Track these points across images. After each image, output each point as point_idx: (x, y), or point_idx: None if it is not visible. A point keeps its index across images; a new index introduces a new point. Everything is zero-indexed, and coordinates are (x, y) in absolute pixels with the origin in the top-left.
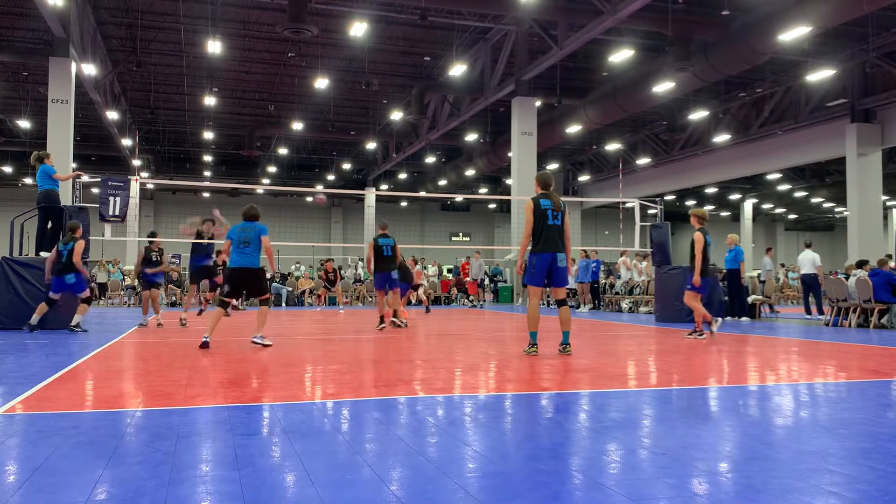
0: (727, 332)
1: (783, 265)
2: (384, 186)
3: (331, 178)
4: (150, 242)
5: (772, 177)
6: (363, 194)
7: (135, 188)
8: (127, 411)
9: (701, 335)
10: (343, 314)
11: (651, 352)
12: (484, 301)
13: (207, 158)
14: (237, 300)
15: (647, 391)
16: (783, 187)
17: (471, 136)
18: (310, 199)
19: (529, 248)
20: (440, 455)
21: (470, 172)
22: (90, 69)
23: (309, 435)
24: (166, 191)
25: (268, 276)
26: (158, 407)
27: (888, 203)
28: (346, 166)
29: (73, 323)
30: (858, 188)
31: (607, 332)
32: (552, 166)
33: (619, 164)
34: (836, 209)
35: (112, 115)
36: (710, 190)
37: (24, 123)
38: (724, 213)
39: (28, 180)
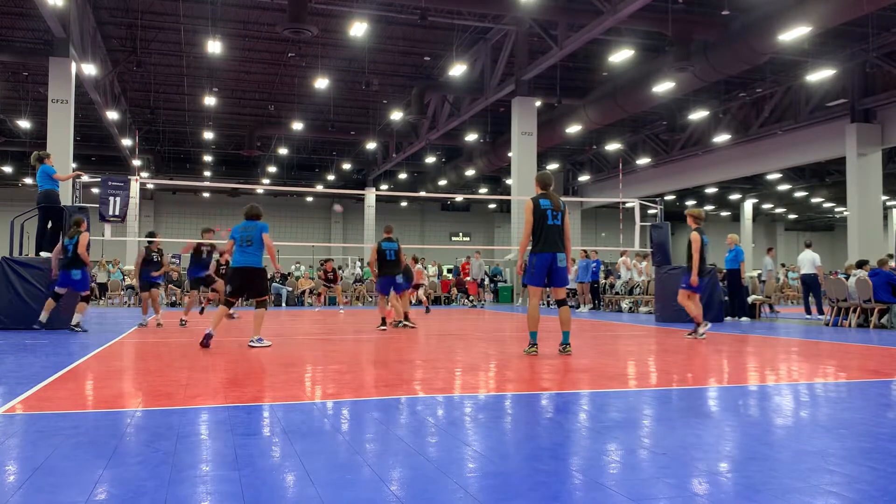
0: (727, 332)
1: (783, 265)
2: (384, 186)
3: (331, 178)
4: (150, 243)
5: (772, 177)
6: (363, 194)
7: (135, 188)
8: (127, 411)
9: (701, 335)
10: (343, 314)
11: (651, 352)
12: (484, 301)
13: (207, 158)
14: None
15: (647, 391)
16: (783, 187)
17: (471, 136)
18: (337, 207)
19: (529, 248)
20: (440, 455)
21: (470, 172)
22: (90, 69)
23: (309, 435)
24: (166, 191)
25: (269, 275)
26: (158, 407)
27: (888, 203)
28: (346, 166)
29: (74, 322)
30: (858, 188)
31: (607, 332)
32: (552, 166)
33: (619, 164)
34: (836, 209)
35: (112, 115)
36: (710, 190)
37: (24, 123)
38: (724, 213)
39: (28, 180)
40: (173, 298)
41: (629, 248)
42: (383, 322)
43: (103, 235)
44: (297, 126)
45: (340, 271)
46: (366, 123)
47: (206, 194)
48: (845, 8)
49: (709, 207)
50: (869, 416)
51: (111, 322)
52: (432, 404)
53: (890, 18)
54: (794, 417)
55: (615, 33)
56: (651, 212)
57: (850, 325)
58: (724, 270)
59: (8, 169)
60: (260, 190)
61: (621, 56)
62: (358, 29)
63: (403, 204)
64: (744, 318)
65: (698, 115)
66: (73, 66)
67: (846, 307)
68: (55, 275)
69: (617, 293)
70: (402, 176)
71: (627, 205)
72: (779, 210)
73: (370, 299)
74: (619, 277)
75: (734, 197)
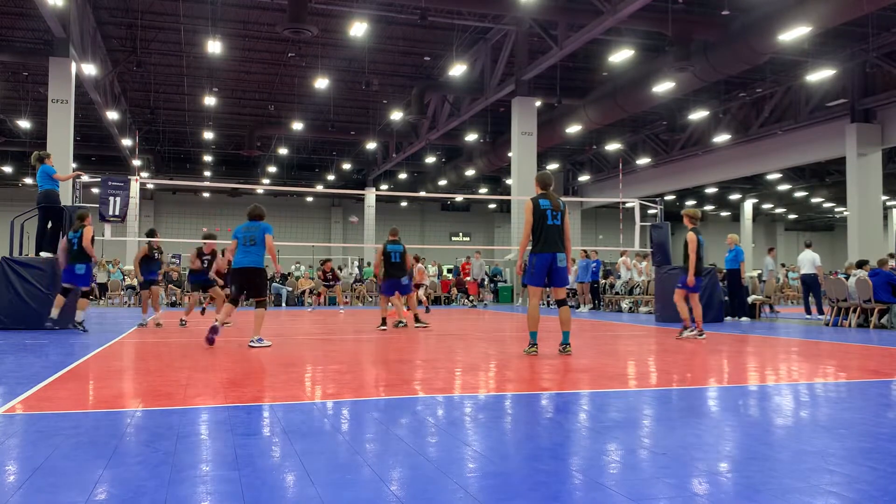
0: (727, 332)
1: (783, 265)
2: (384, 186)
3: (331, 178)
4: (150, 241)
5: (772, 177)
6: (363, 194)
7: (135, 188)
8: (127, 411)
9: (701, 335)
10: (343, 314)
11: (651, 352)
12: (487, 301)
13: (207, 158)
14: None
15: (647, 391)
16: (783, 187)
17: (471, 136)
18: (353, 219)
19: (529, 248)
20: (440, 455)
21: (470, 172)
22: (90, 69)
23: (309, 435)
24: (166, 191)
25: (269, 275)
26: (158, 407)
27: (888, 203)
28: (346, 166)
29: (79, 320)
30: (858, 188)
31: (607, 332)
32: (552, 166)
33: (619, 164)
34: (836, 209)
35: (112, 115)
36: (710, 190)
37: (24, 123)
38: (724, 213)
39: (28, 180)
40: (173, 298)
41: (629, 248)
42: (384, 322)
43: (103, 235)
44: (297, 126)
45: (340, 271)
46: (366, 123)
47: (206, 194)
48: (845, 8)
49: (709, 207)
50: (869, 416)
51: (111, 322)
52: (432, 404)
53: (890, 18)
54: (794, 417)
55: (615, 33)
56: (651, 212)
57: (850, 325)
58: (724, 270)
59: (8, 169)
60: (260, 190)
61: (621, 56)
62: (358, 29)
63: (403, 204)
64: (744, 318)
65: (698, 115)
66: (73, 66)
67: (846, 307)
68: (63, 267)
69: (617, 293)
70: (402, 176)
71: (627, 205)
72: (779, 210)
73: (370, 299)
74: (619, 277)
75: (734, 197)
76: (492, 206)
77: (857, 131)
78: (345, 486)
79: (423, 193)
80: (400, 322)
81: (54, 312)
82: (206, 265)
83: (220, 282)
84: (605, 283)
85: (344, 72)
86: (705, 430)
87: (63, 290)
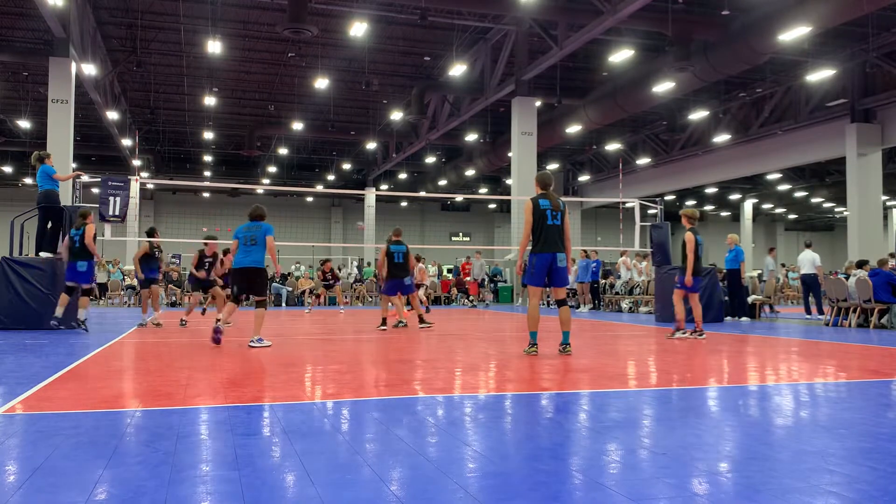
0: (727, 332)
1: (783, 265)
2: (384, 186)
3: (331, 178)
4: (150, 237)
5: (772, 177)
6: (363, 194)
7: (135, 188)
8: (127, 411)
9: (701, 335)
10: (343, 314)
11: (651, 352)
12: (488, 302)
13: (207, 158)
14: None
15: (647, 391)
16: (783, 187)
17: (471, 136)
18: (360, 225)
19: (529, 248)
20: (440, 455)
21: (470, 172)
22: (90, 69)
23: (309, 435)
24: (166, 191)
25: (269, 275)
26: (158, 407)
27: (888, 203)
28: (346, 166)
29: (82, 318)
30: (858, 188)
31: (607, 332)
32: (552, 166)
33: (619, 164)
34: (836, 209)
35: (112, 115)
36: (710, 190)
37: (24, 123)
38: (724, 213)
39: (28, 180)
40: (173, 298)
41: (629, 248)
42: (384, 322)
43: (103, 235)
44: (297, 126)
45: (340, 272)
46: (366, 123)
47: (206, 194)
48: (845, 8)
49: (709, 207)
50: (869, 416)
51: (111, 322)
52: (432, 404)
53: (890, 18)
54: (794, 417)
55: (615, 33)
56: (651, 212)
57: (850, 325)
58: (724, 270)
59: (8, 169)
60: (260, 190)
61: (621, 56)
62: (358, 29)
63: (403, 204)
64: (744, 318)
65: (698, 115)
66: (73, 66)
67: (846, 307)
68: (66, 263)
69: (617, 293)
70: (402, 176)
71: (627, 205)
72: (779, 210)
73: (370, 299)
74: (619, 277)
75: (734, 197)
76: (492, 206)
77: (857, 131)
78: (345, 486)
79: (423, 193)
80: (400, 322)
81: (59, 311)
82: (208, 268)
83: (220, 281)
84: (605, 283)
85: (344, 72)
86: (705, 430)
87: (67, 289)
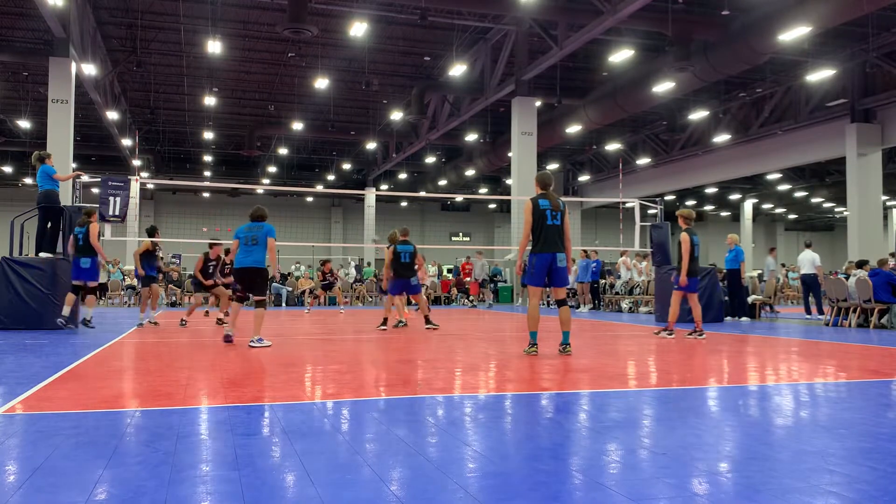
0: (727, 332)
1: (783, 265)
2: (384, 186)
3: (331, 178)
4: (151, 236)
5: (772, 177)
6: (363, 194)
7: (135, 188)
8: (127, 411)
9: (701, 335)
10: (343, 314)
11: (651, 352)
12: (490, 302)
13: (207, 158)
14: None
15: (647, 391)
16: (783, 187)
17: (471, 136)
18: (374, 238)
19: (529, 248)
20: (440, 455)
21: (470, 172)
22: (90, 69)
23: (309, 435)
24: (166, 191)
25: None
26: (158, 407)
27: (888, 203)
28: (346, 166)
29: (88, 317)
30: (858, 188)
31: (607, 332)
32: (552, 166)
33: (619, 164)
34: (836, 209)
35: (112, 115)
36: (710, 190)
37: (24, 123)
38: (724, 213)
39: (28, 180)
40: (173, 298)
41: (629, 248)
42: (384, 322)
43: (103, 235)
44: (297, 126)
45: (341, 272)
46: (366, 123)
47: (206, 194)
48: (845, 8)
49: (709, 207)
50: (869, 416)
51: (111, 322)
52: (432, 404)
53: (890, 18)
54: (794, 417)
55: (615, 33)
56: (651, 212)
57: (850, 325)
58: (725, 270)
59: (8, 169)
60: (260, 190)
61: (621, 56)
62: (358, 29)
63: (403, 204)
64: (744, 318)
65: (698, 115)
66: (73, 66)
67: (846, 307)
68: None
69: (617, 293)
70: (402, 176)
71: (627, 205)
72: (779, 210)
73: (370, 299)
74: (619, 277)
75: (734, 197)
76: (492, 206)
77: (857, 131)
78: (345, 486)
79: (423, 193)
80: (400, 322)
81: (65, 310)
82: (212, 272)
83: (225, 280)
84: (605, 283)
85: (344, 72)
86: (705, 430)
87: (73, 288)
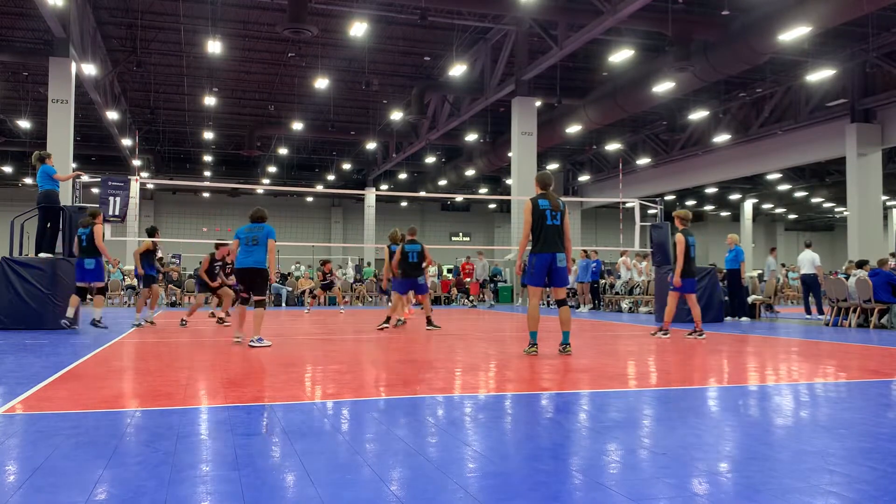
0: (727, 332)
1: (783, 265)
2: (384, 186)
3: (331, 178)
4: (152, 235)
5: (772, 177)
6: (363, 194)
7: (135, 188)
8: (127, 411)
9: (701, 335)
10: (343, 314)
11: (651, 352)
12: (492, 302)
13: (207, 158)
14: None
15: (647, 391)
16: (783, 187)
17: (471, 136)
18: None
19: (529, 248)
20: (440, 455)
21: (470, 172)
22: (90, 69)
23: (309, 435)
24: (166, 191)
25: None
26: (158, 407)
27: (888, 203)
28: (346, 166)
29: (98, 318)
30: (858, 188)
31: (607, 332)
32: (552, 166)
33: (619, 164)
34: (836, 209)
35: (112, 115)
36: (710, 190)
37: (24, 123)
38: (724, 213)
39: (28, 180)
40: (173, 298)
41: (629, 248)
42: (387, 321)
43: (105, 236)
44: (297, 126)
45: (340, 271)
46: (366, 123)
47: (206, 194)
48: (845, 8)
49: (709, 207)
50: (869, 416)
51: (111, 322)
52: (432, 404)
53: (890, 18)
54: (794, 417)
55: (615, 33)
56: (651, 212)
57: (850, 325)
58: (725, 270)
59: (8, 169)
60: (260, 190)
61: (621, 56)
62: (358, 29)
63: (403, 204)
64: (744, 318)
65: (698, 115)
66: (73, 66)
67: (846, 307)
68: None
69: (617, 293)
70: (402, 176)
71: (627, 205)
72: (779, 210)
73: (370, 299)
74: (619, 277)
75: (734, 197)
76: (492, 206)
77: (857, 131)
78: (345, 486)
79: (423, 193)
80: (399, 321)
81: (69, 312)
82: (217, 271)
83: (230, 280)
84: (605, 283)
85: (344, 72)
86: (705, 430)
87: (78, 290)
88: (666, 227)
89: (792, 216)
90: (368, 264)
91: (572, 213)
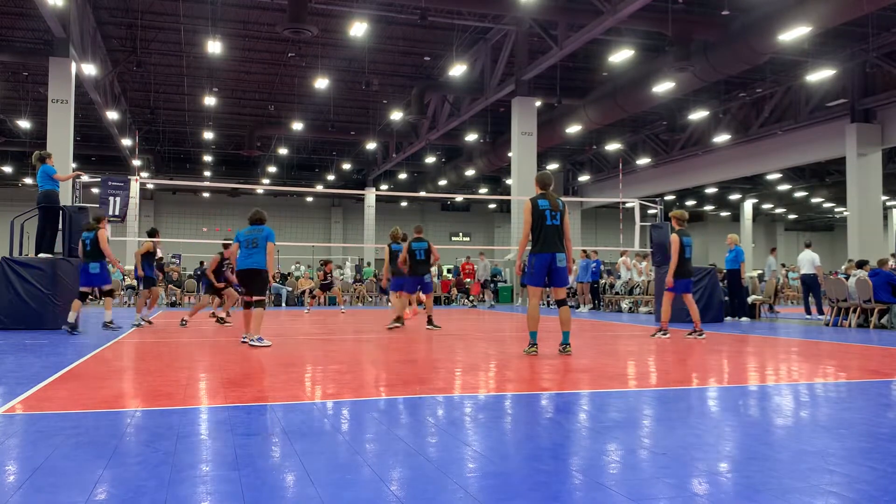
0: (727, 332)
1: (783, 265)
2: (384, 186)
3: (331, 178)
4: (152, 237)
5: (772, 177)
6: (363, 194)
7: (135, 188)
8: (127, 411)
9: (701, 335)
10: (343, 314)
11: (651, 352)
12: (493, 303)
13: (207, 158)
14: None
15: (647, 391)
16: (783, 187)
17: (471, 136)
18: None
19: (529, 248)
20: (440, 455)
21: (470, 172)
22: (90, 69)
23: (309, 435)
24: (166, 191)
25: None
26: (158, 407)
27: (888, 203)
28: (346, 166)
29: (108, 320)
30: (858, 188)
31: (607, 332)
32: (552, 166)
33: (619, 164)
34: (836, 209)
35: (112, 115)
36: (710, 190)
37: (24, 123)
38: (724, 213)
39: (28, 180)
40: (173, 298)
41: (629, 249)
42: (398, 319)
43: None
44: (297, 126)
45: (338, 271)
46: (366, 123)
47: (206, 194)
48: (845, 8)
49: (709, 207)
50: (869, 416)
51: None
52: (432, 404)
53: (890, 18)
54: (794, 417)
55: (615, 33)
56: (651, 212)
57: (850, 325)
58: (725, 270)
59: (8, 169)
60: (260, 190)
61: (621, 56)
62: (358, 29)
63: (403, 204)
64: (744, 319)
65: (698, 115)
66: (73, 66)
67: (846, 307)
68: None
69: (617, 293)
70: (402, 176)
71: (627, 205)
72: (779, 210)
73: (370, 299)
74: (618, 277)
75: (734, 197)
76: (492, 206)
77: (857, 131)
78: (345, 486)
79: (423, 193)
80: (399, 319)
81: (71, 316)
82: (224, 268)
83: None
84: (605, 283)
85: (344, 72)
86: (705, 430)
87: (81, 295)
88: (666, 227)
89: (792, 216)
90: (368, 264)
91: (572, 213)
